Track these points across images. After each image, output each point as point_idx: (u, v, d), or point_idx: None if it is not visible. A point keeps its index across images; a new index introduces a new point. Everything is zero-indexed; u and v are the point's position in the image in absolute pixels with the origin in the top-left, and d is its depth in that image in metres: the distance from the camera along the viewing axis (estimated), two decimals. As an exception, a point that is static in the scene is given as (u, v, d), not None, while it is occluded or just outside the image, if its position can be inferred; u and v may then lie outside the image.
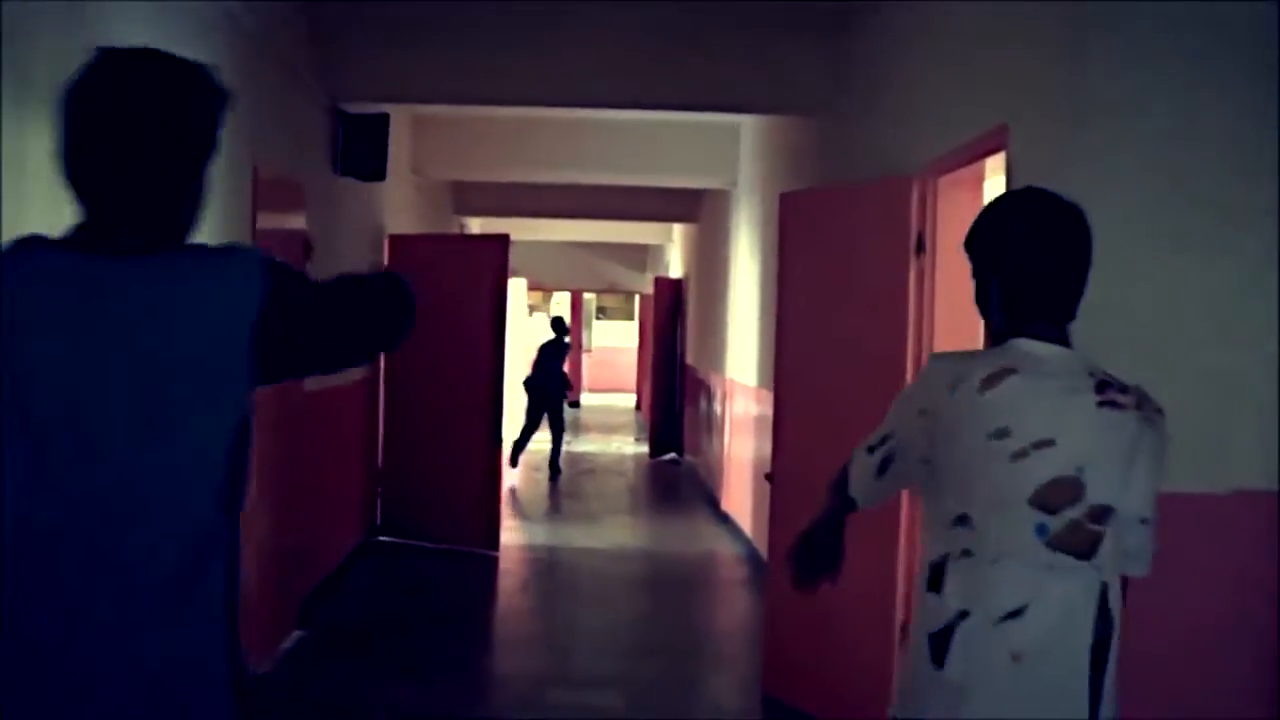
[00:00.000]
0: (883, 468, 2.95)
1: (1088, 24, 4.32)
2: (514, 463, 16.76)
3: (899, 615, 6.00)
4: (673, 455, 18.68)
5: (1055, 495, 2.64)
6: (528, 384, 16.62)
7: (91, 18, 4.78)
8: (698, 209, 17.04)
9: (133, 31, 5.16)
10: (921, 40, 6.20)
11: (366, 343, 2.44)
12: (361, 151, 9.13)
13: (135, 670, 2.16)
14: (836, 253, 6.58)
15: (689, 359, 17.91)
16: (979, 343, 5.65)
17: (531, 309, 34.54)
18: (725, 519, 12.81)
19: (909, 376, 5.91)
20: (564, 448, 17.45)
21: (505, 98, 8.83)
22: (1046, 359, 2.73)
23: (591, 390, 31.06)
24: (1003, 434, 2.65)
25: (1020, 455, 2.65)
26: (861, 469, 3.03)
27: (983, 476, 2.69)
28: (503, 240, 11.23)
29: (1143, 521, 2.72)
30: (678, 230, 20.66)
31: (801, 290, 6.85)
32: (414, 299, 2.41)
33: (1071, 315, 2.80)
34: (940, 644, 2.72)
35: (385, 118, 9.23)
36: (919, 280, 5.99)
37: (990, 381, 2.69)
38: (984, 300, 2.87)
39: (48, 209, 4.34)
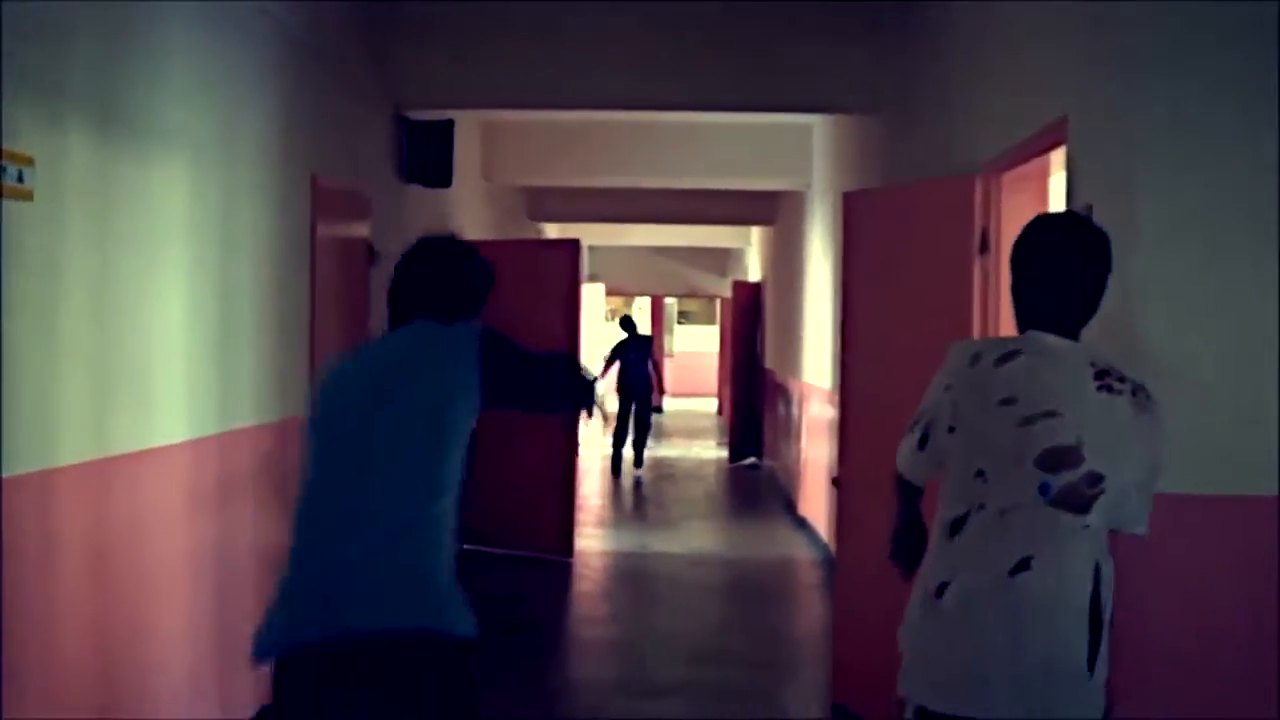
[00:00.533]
0: (922, 442, 3.43)
1: (1143, 13, 4.20)
2: (616, 473, 17.25)
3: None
4: (752, 460, 18.57)
5: (1057, 459, 3.12)
6: (617, 387, 17.47)
7: (139, 29, 4.77)
8: (774, 211, 16.94)
9: (182, 42, 5.16)
10: (984, 34, 6.07)
11: (544, 398, 3.49)
12: (427, 158, 9.13)
13: (380, 584, 3.12)
14: (900, 253, 6.46)
15: (768, 363, 17.79)
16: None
17: (612, 314, 34.58)
18: (802, 523, 12.69)
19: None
20: (647, 447, 18.03)
21: (567, 102, 8.80)
22: (1054, 347, 3.25)
23: (674, 395, 30.99)
24: (1011, 401, 3.18)
25: (1028, 422, 3.15)
26: (906, 447, 3.53)
27: (995, 437, 3.20)
28: (574, 244, 11.20)
29: (1138, 489, 3.20)
30: (756, 233, 20.56)
31: (866, 291, 6.74)
32: (590, 390, 3.48)
33: (1080, 324, 3.32)
34: (944, 585, 3.22)
35: (450, 124, 9.22)
36: (984, 280, 5.86)
37: (1003, 359, 3.25)
38: (1015, 303, 3.40)
39: (84, 208, 4.35)
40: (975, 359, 3.31)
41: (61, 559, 4.23)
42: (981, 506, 3.20)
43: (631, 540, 12.34)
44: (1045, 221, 3.45)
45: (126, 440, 4.67)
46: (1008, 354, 3.25)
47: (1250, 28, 4.07)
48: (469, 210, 11.94)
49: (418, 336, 3.37)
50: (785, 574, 10.83)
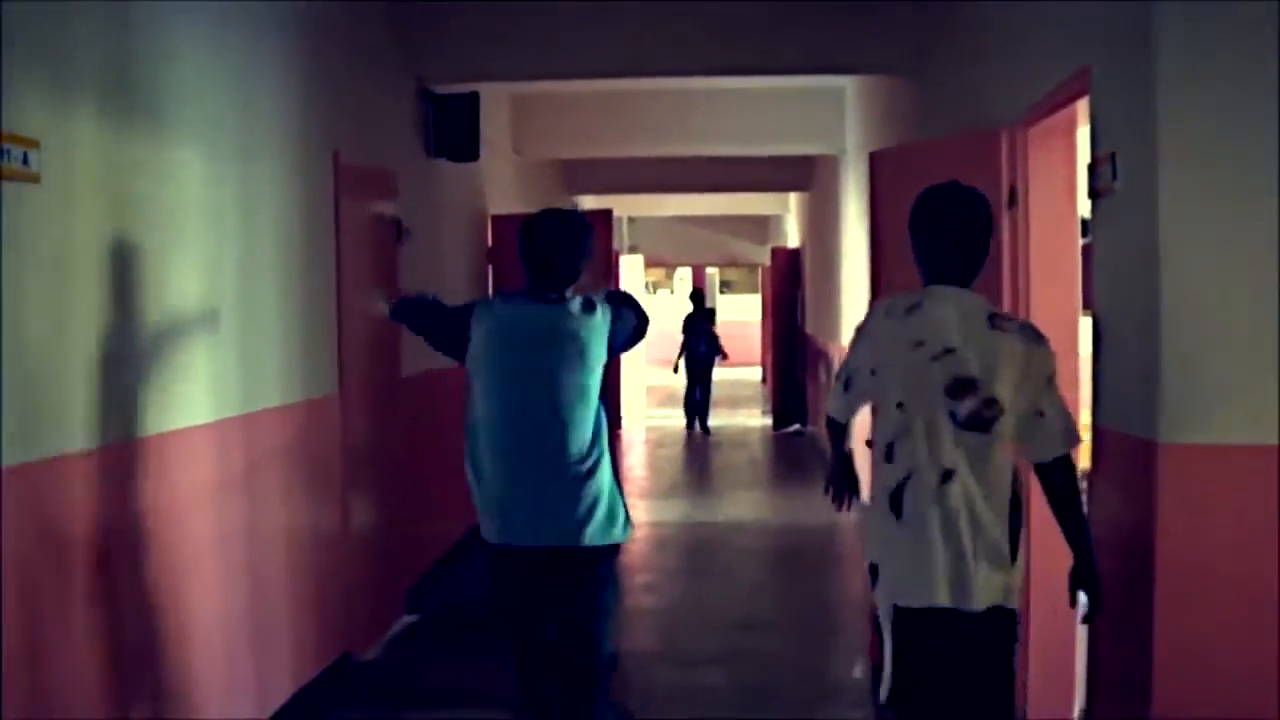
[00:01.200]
0: (846, 386, 4.31)
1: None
2: (690, 426, 19.06)
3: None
4: (796, 426, 18.49)
5: (960, 388, 3.89)
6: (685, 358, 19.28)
7: (148, 11, 4.74)
8: (810, 177, 16.84)
9: (193, 24, 5.13)
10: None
11: (640, 336, 4.99)
12: (453, 132, 9.09)
13: (543, 520, 4.63)
14: (928, 210, 6.38)
15: (809, 328, 17.71)
16: (1078, 295, 5.54)
17: (655, 286, 34.52)
18: (846, 489, 12.59)
19: (1006, 334, 5.70)
20: (710, 412, 19.39)
21: (593, 70, 8.75)
22: (952, 297, 4.03)
23: (719, 365, 30.90)
24: (921, 344, 3.97)
25: (934, 359, 3.93)
26: (834, 392, 4.40)
27: (911, 373, 3.96)
28: (606, 215, 11.18)
29: (1039, 414, 3.94)
30: (794, 199, 20.46)
31: (895, 250, 6.65)
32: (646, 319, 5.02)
33: (972, 275, 4.08)
34: (896, 500, 3.96)
35: (475, 97, 9.17)
36: (1012, 234, 5.78)
37: (911, 310, 4.04)
38: (918, 263, 4.17)
39: (95, 190, 4.32)
40: (889, 312, 4.11)
41: (83, 545, 4.22)
42: (906, 432, 3.95)
43: (673, 510, 12.30)
44: (933, 192, 4.16)
45: (147, 424, 4.65)
46: (914, 305, 4.05)
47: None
48: (499, 184, 11.90)
49: (570, 319, 4.67)
50: (828, 540, 10.77)
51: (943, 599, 3.87)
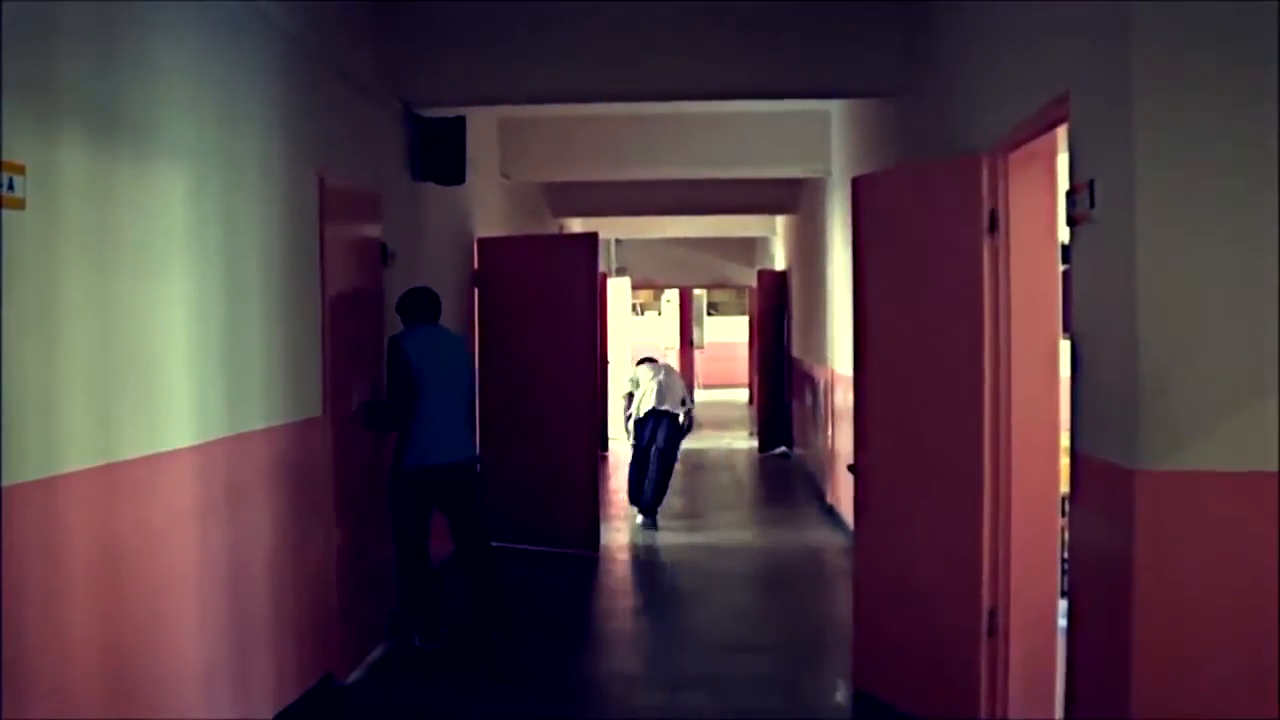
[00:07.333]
0: (635, 390, 12.97)
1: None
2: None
3: (985, 603, 5.83)
4: (783, 449, 18.51)
5: (667, 394, 12.80)
6: None
7: (131, 33, 4.76)
8: (797, 199, 16.89)
9: (176, 45, 5.15)
10: (993, 11, 6.01)
11: None
12: (439, 157, 9.11)
13: (458, 446, 7.88)
14: (910, 235, 6.42)
15: (795, 351, 17.74)
16: (1058, 320, 5.56)
17: (642, 308, 34.52)
18: (831, 512, 12.64)
19: (987, 358, 5.77)
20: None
21: (579, 95, 8.79)
22: (657, 366, 13.27)
23: (705, 386, 30.95)
24: (655, 377, 13.03)
25: (657, 380, 12.97)
26: (626, 390, 13.30)
27: (654, 389, 12.86)
28: (591, 238, 11.17)
29: (684, 402, 13.02)
30: (780, 222, 20.50)
31: (878, 276, 6.70)
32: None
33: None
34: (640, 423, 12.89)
35: (461, 121, 9.20)
36: (993, 260, 5.82)
37: (648, 366, 13.28)
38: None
39: (80, 215, 4.34)
40: (640, 364, 13.27)
41: (69, 567, 4.22)
42: (652, 404, 12.78)
43: (660, 534, 12.28)
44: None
45: (133, 446, 4.66)
46: (647, 366, 13.21)
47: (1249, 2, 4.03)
48: (485, 207, 11.91)
49: (451, 336, 8.16)
50: (813, 563, 10.78)
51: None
